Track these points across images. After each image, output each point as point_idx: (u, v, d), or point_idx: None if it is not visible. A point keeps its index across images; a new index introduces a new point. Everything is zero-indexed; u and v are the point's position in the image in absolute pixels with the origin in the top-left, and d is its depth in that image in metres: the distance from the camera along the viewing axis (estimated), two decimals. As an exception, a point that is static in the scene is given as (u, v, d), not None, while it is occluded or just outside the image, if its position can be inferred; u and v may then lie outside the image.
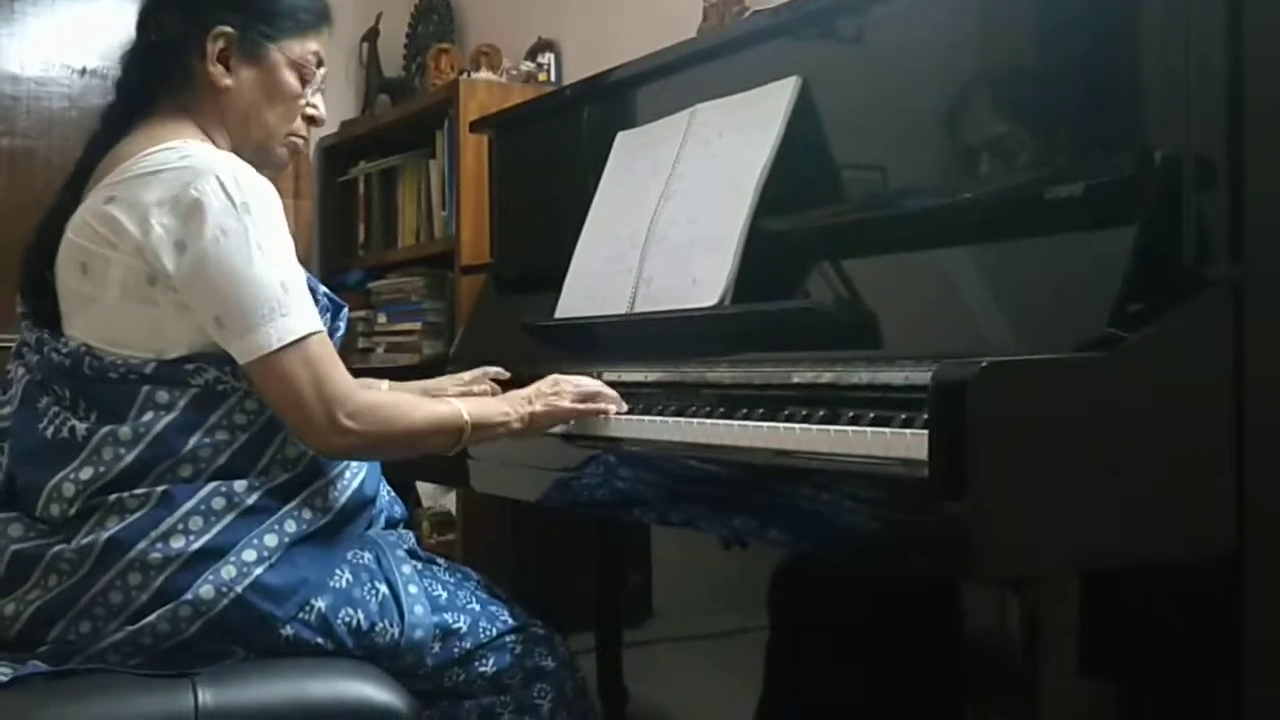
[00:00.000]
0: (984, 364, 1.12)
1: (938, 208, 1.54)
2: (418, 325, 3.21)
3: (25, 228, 1.56)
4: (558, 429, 1.65)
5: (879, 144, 1.69)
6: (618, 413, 1.64)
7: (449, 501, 3.14)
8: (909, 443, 1.20)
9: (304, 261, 1.53)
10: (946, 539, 1.12)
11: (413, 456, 1.58)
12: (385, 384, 1.82)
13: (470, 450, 1.93)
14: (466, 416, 1.52)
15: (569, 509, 1.79)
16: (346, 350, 1.59)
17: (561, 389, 1.62)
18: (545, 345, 2.08)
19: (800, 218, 1.70)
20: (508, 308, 2.35)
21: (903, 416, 1.30)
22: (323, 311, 1.53)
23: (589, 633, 2.39)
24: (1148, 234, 1.27)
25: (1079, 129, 1.44)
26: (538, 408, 1.60)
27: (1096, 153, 1.40)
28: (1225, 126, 1.27)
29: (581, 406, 1.63)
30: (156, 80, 1.54)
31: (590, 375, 1.79)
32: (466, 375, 1.88)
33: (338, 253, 3.71)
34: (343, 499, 1.50)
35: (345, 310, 1.62)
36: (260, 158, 1.58)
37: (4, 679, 1.34)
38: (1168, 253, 1.27)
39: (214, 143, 1.53)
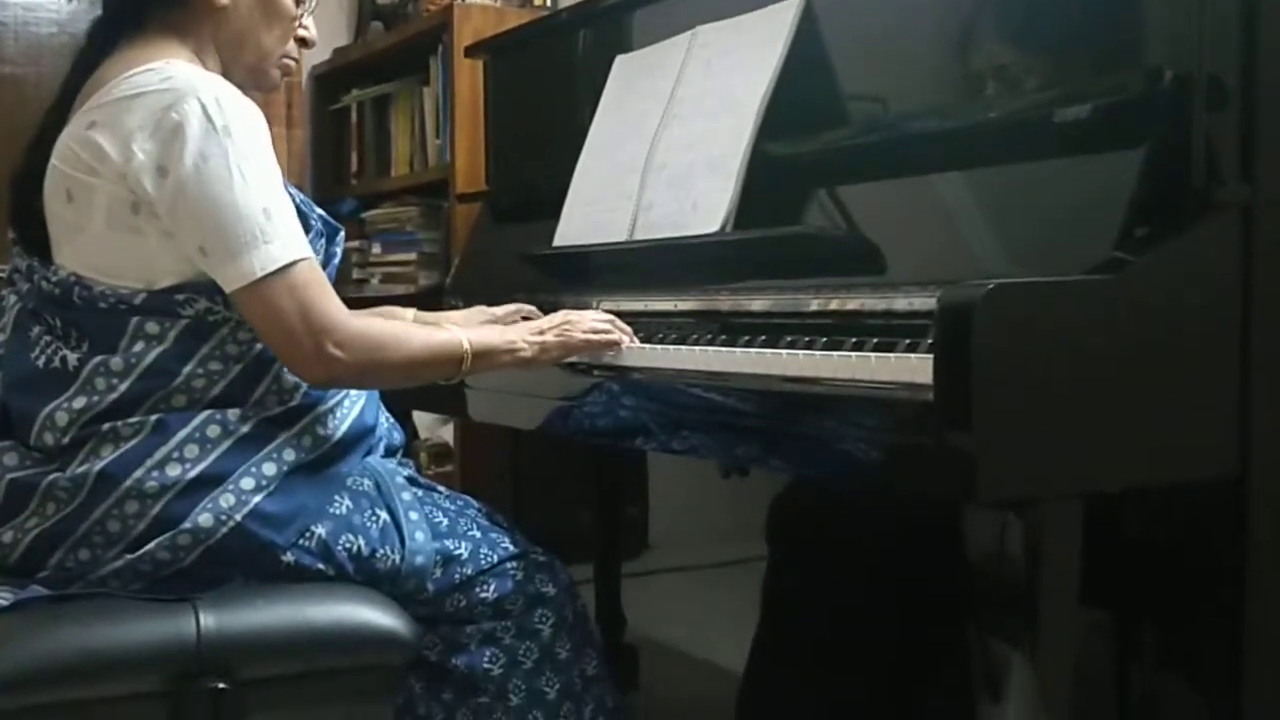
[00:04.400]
0: (990, 286, 1.11)
1: (943, 130, 1.52)
2: (413, 255, 3.18)
3: (15, 156, 1.54)
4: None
5: (883, 66, 1.66)
6: (629, 346, 1.62)
7: (447, 433, 3.13)
8: (914, 366, 1.20)
9: (297, 190, 1.51)
10: (950, 462, 1.12)
11: (411, 385, 1.57)
12: (411, 313, 1.80)
13: (468, 380, 1.93)
14: (467, 345, 1.50)
15: (569, 438, 1.78)
16: (341, 282, 1.57)
17: (572, 321, 1.61)
18: (543, 274, 2.06)
19: (804, 142, 1.68)
20: (504, 236, 2.33)
21: (906, 342, 1.29)
22: (317, 237, 1.51)
23: (587, 564, 2.40)
24: (1156, 156, 1.26)
25: (1087, 49, 1.42)
26: (550, 338, 1.58)
27: (1105, 73, 1.38)
28: (1238, 45, 1.25)
29: (595, 338, 1.61)
30: None
31: (590, 304, 1.79)
32: (499, 310, 1.84)
33: (330, 182, 3.68)
34: (342, 428, 1.49)
35: (341, 234, 1.60)
36: (253, 80, 1.55)
37: (5, 603, 1.34)
38: (1176, 174, 1.25)
39: (203, 64, 1.49)
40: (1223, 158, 1.24)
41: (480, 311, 1.84)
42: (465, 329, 1.56)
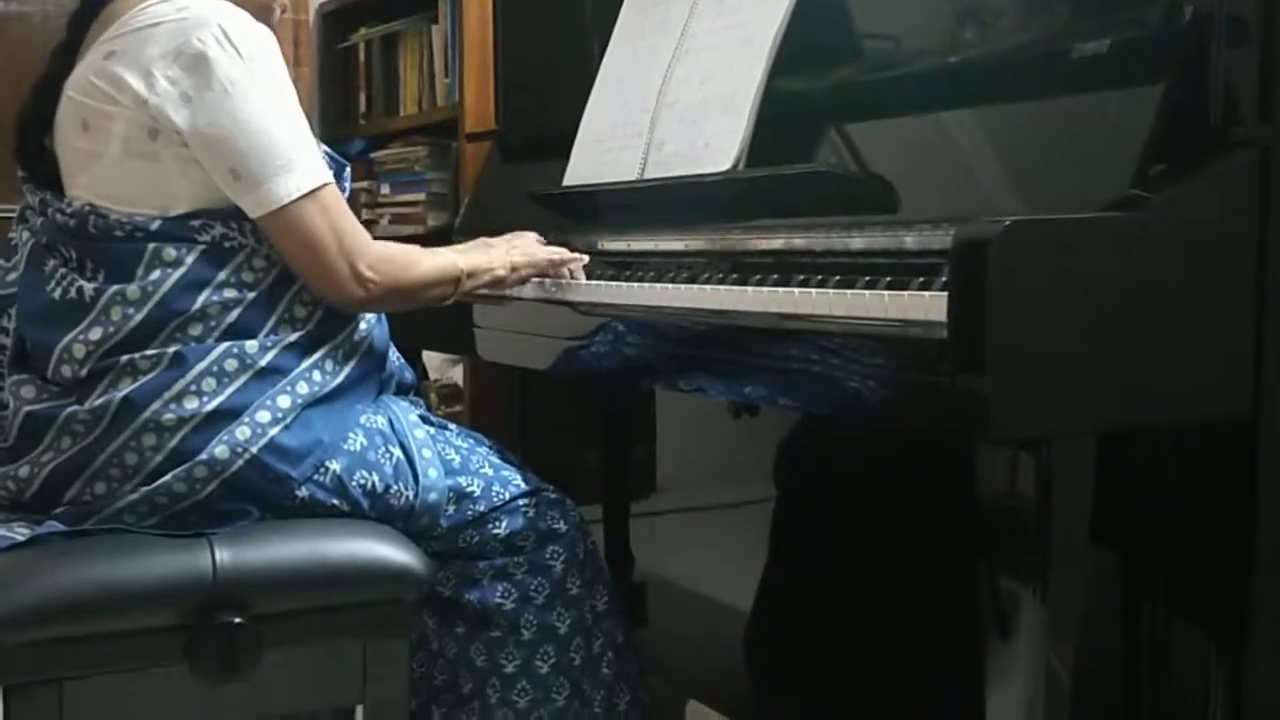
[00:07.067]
0: (1006, 223, 1.11)
1: (958, 66, 1.50)
2: (422, 196, 3.17)
3: (20, 94, 1.54)
4: (572, 298, 1.67)
5: (898, 2, 1.64)
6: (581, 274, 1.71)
7: (456, 374, 3.14)
8: (927, 304, 1.19)
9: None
10: (963, 401, 1.12)
11: (417, 307, 1.59)
12: None
13: (477, 319, 1.93)
14: (462, 265, 1.57)
15: (579, 377, 1.79)
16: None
17: (533, 243, 1.71)
18: (554, 213, 2.05)
19: (816, 79, 1.66)
20: (514, 176, 2.32)
21: (920, 280, 1.29)
22: (325, 171, 1.52)
23: (596, 504, 2.41)
24: (1174, 92, 1.24)
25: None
26: (517, 256, 1.66)
27: (1122, 8, 1.36)
28: (1257, -19, 1.23)
29: (555, 258, 1.69)
30: None
31: (599, 242, 1.79)
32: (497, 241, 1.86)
33: (338, 122, 3.66)
34: (354, 359, 1.51)
35: (348, 169, 1.61)
36: (258, 18, 1.55)
37: (21, 539, 1.36)
38: (1194, 112, 1.24)
39: None
40: (1241, 95, 1.23)
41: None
42: (456, 251, 1.62)
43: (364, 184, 3.34)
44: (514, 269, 1.65)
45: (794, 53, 1.66)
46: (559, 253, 1.71)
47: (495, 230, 1.94)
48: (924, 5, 1.60)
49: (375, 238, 1.50)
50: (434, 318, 1.68)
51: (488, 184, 2.41)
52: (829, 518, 1.97)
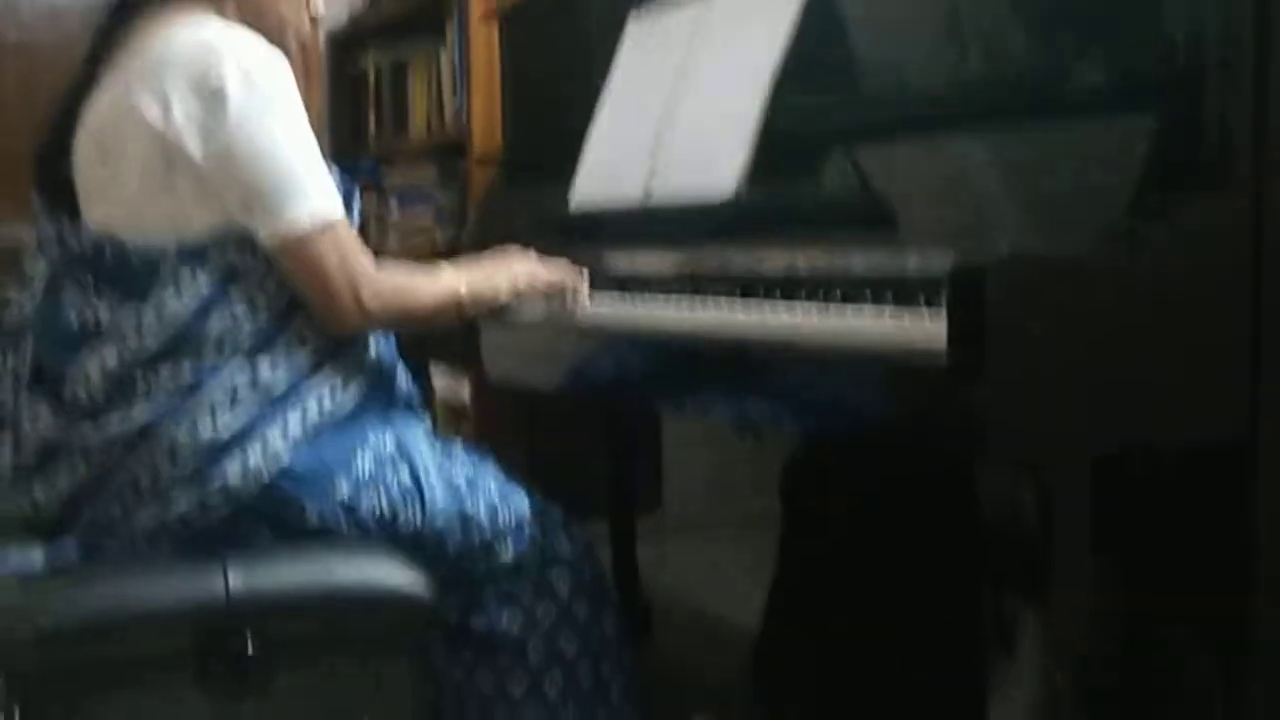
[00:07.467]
0: (1004, 252, 1.13)
1: (956, 95, 1.52)
2: (430, 215, 3.20)
3: (35, 121, 1.56)
4: (577, 318, 1.69)
5: (897, 30, 1.66)
6: (583, 293, 1.73)
7: (463, 391, 3.16)
8: (928, 329, 1.21)
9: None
10: (964, 422, 1.13)
11: (421, 330, 1.62)
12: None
13: (484, 340, 1.95)
14: (464, 290, 1.58)
15: (584, 397, 1.80)
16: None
17: (534, 261, 1.72)
18: (558, 234, 2.07)
19: (817, 104, 1.68)
20: (520, 196, 2.34)
21: (922, 302, 1.31)
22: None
23: (602, 523, 2.43)
24: (1169, 125, 1.26)
25: (1101, 16, 1.41)
26: (519, 278, 1.67)
27: (1118, 43, 1.38)
28: (1252, 13, 1.24)
29: (557, 277, 1.70)
30: None
31: (603, 263, 1.81)
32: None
33: (348, 144, 3.68)
34: (362, 380, 1.53)
35: (358, 192, 1.63)
36: (274, 42, 1.57)
37: (37, 561, 1.37)
38: (1189, 145, 1.25)
39: None
40: (1235, 131, 1.24)
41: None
42: (459, 273, 1.62)
43: (373, 203, 3.37)
44: (516, 290, 1.67)
45: (794, 78, 1.69)
46: (560, 272, 1.73)
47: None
48: (924, 34, 1.62)
49: (383, 255, 1.52)
50: (441, 335, 1.70)
51: (493, 204, 2.43)
52: (834, 537, 1.98)
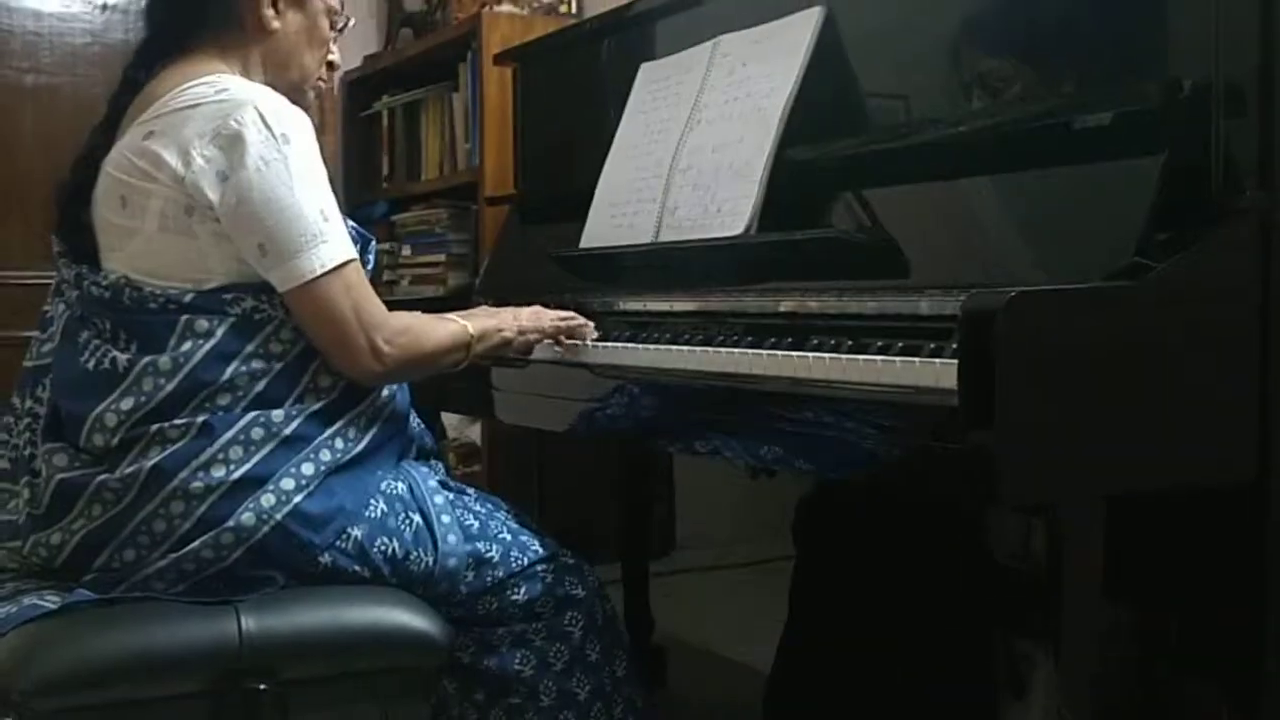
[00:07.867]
0: (1013, 293, 1.13)
1: (963, 136, 1.54)
2: (442, 257, 3.22)
3: (52, 163, 1.59)
4: (587, 360, 1.70)
5: (903, 73, 1.68)
6: (592, 339, 1.76)
7: (474, 433, 3.17)
8: (938, 371, 1.21)
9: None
10: (974, 466, 1.14)
11: (432, 374, 1.63)
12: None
13: (495, 382, 1.96)
14: (472, 332, 1.61)
15: (595, 439, 1.81)
16: (371, 283, 1.63)
17: (539, 310, 1.75)
18: (570, 275, 2.09)
19: (825, 147, 1.70)
20: (532, 238, 2.36)
21: (931, 346, 1.31)
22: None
23: (614, 564, 2.43)
24: (1176, 162, 1.27)
25: (1106, 56, 1.43)
26: (524, 321, 1.70)
27: (1124, 80, 1.39)
28: (1256, 52, 1.26)
29: (562, 325, 1.74)
30: (196, 20, 1.56)
31: (615, 304, 1.82)
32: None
33: (362, 186, 3.71)
34: (376, 426, 1.53)
35: (373, 243, 1.64)
36: (291, 98, 1.59)
37: (52, 607, 1.38)
38: (1196, 181, 1.26)
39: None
40: (1241, 164, 1.26)
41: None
42: (466, 317, 1.65)
43: (386, 245, 3.39)
44: (521, 332, 1.69)
45: (802, 123, 1.70)
46: (566, 318, 1.75)
47: (515, 289, 1.98)
48: (930, 76, 1.64)
49: (397, 298, 1.54)
50: (453, 379, 1.72)
51: (507, 246, 2.45)
52: (847, 578, 1.98)
